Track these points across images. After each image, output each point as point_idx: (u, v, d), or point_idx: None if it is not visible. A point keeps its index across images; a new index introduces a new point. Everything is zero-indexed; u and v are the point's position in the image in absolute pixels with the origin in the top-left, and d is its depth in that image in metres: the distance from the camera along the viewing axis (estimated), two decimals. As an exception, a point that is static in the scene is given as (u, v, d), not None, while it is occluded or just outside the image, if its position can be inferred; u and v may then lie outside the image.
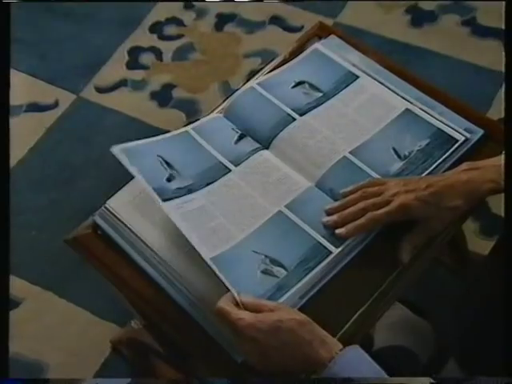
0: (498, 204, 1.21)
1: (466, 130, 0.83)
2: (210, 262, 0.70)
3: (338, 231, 0.73)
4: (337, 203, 0.75)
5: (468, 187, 0.72)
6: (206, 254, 0.70)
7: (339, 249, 0.72)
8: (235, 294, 0.66)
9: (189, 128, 0.83)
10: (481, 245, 1.16)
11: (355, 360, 0.61)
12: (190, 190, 0.76)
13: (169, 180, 0.76)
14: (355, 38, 0.96)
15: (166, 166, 0.78)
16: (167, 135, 0.82)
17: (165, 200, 0.74)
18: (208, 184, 0.78)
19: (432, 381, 0.60)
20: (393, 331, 0.96)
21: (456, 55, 1.46)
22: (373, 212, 0.72)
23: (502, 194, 0.68)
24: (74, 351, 1.09)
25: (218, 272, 0.68)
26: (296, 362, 0.62)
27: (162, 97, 1.46)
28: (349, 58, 0.91)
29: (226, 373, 0.70)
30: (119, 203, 0.79)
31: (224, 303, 0.65)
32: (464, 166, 0.75)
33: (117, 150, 0.76)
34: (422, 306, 1.02)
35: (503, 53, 0.70)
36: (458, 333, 0.89)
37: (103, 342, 1.11)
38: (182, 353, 0.73)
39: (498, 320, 0.76)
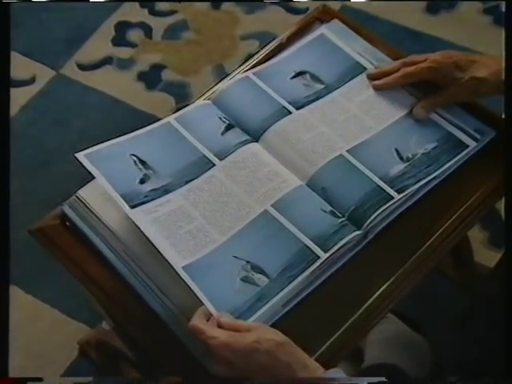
0: (510, 213, 1.22)
1: (476, 131, 0.83)
2: (181, 272, 0.70)
3: (374, 83, 0.86)
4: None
5: (498, 67, 0.79)
6: (178, 263, 0.70)
7: (327, 254, 0.72)
8: (212, 311, 0.67)
9: (171, 119, 0.83)
10: (489, 256, 1.16)
11: None
12: (166, 191, 0.76)
13: (142, 181, 0.76)
14: (362, 24, 0.95)
15: (140, 165, 0.78)
16: (147, 128, 0.82)
17: (134, 206, 0.74)
18: (188, 182, 0.77)
19: None
20: (386, 347, 0.96)
21: (475, 47, 1.44)
22: (407, 67, 0.84)
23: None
24: (38, 352, 1.09)
25: (190, 283, 0.69)
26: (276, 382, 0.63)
27: (150, 78, 1.46)
28: (355, 46, 0.90)
29: (196, 382, 0.70)
30: (92, 193, 0.79)
31: (198, 320, 0.65)
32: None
33: (81, 156, 0.77)
34: (420, 321, 1.02)
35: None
36: (458, 353, 0.89)
37: (70, 344, 1.11)
38: (151, 359, 0.73)
39: (502, 339, 0.76)
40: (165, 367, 0.72)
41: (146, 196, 0.75)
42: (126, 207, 0.73)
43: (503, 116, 0.72)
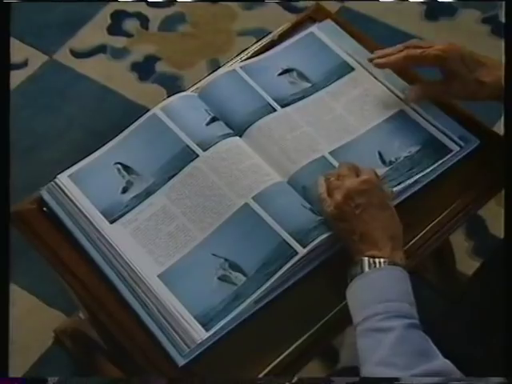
0: (497, 225, 1.22)
1: (460, 138, 0.83)
2: (156, 282, 0.73)
3: (375, 61, 0.83)
4: None
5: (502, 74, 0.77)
6: (153, 272, 0.73)
7: (306, 249, 0.73)
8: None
9: (157, 109, 0.83)
10: (472, 265, 1.16)
11: (394, 278, 0.68)
12: (148, 193, 0.78)
13: (125, 190, 0.79)
14: (360, 26, 0.95)
15: (124, 172, 0.80)
16: (132, 127, 0.83)
17: (114, 220, 0.77)
18: (171, 177, 0.79)
19: None
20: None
21: (472, 56, 1.45)
22: (411, 49, 0.81)
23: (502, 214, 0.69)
24: (12, 338, 1.09)
25: (165, 292, 0.72)
26: (372, 234, 0.70)
27: (144, 69, 1.46)
28: (344, 46, 0.90)
29: (165, 375, 0.70)
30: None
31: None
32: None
33: (63, 178, 0.79)
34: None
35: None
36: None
37: (46, 331, 1.11)
38: (124, 351, 0.74)
39: (478, 346, 0.77)
40: (134, 357, 0.73)
41: (126, 206, 0.78)
42: (106, 223, 0.76)
43: (503, 119, 0.71)
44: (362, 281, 0.68)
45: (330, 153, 0.81)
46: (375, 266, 0.68)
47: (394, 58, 0.82)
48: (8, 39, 0.72)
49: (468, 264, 1.17)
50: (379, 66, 0.83)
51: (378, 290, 0.67)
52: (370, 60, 0.84)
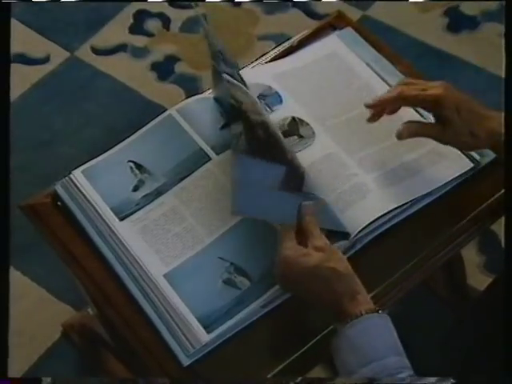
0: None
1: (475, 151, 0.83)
2: (161, 281, 0.73)
3: (365, 102, 0.77)
4: None
5: (500, 130, 0.73)
6: (159, 271, 0.74)
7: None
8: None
9: (173, 110, 0.84)
10: (483, 281, 1.16)
11: (374, 330, 0.64)
12: (159, 193, 0.79)
13: (136, 189, 0.79)
14: (380, 35, 0.95)
15: (136, 171, 0.81)
16: (148, 126, 0.83)
17: (124, 217, 0.77)
18: (182, 179, 0.79)
19: None
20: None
21: (494, 70, 1.43)
22: (405, 88, 0.76)
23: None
24: (20, 330, 1.10)
25: (169, 292, 0.72)
26: (321, 303, 0.67)
27: (163, 69, 1.47)
28: (364, 56, 0.90)
29: (169, 375, 0.70)
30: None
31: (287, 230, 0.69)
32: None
33: (77, 173, 0.80)
34: (403, 336, 1.02)
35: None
36: (439, 370, 0.89)
37: (54, 324, 1.12)
38: (131, 348, 0.74)
39: (486, 363, 0.76)
40: (139, 355, 0.73)
41: (137, 204, 0.78)
42: (116, 220, 0.77)
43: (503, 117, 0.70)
44: (342, 341, 0.65)
45: None
46: (351, 321, 0.64)
47: (387, 96, 0.77)
48: (8, 39, 0.73)
49: (479, 279, 1.16)
50: (371, 106, 0.77)
51: (360, 351, 0.63)
52: (367, 106, 0.78)
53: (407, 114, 0.81)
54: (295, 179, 0.73)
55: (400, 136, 0.76)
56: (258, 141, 0.72)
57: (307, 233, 0.69)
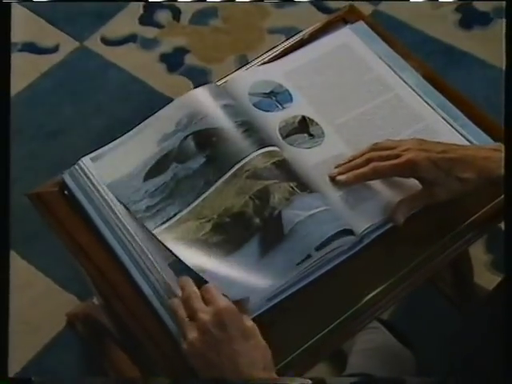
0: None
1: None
2: (167, 271, 0.73)
3: (337, 178, 0.75)
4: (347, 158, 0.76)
5: (485, 164, 0.72)
6: (165, 261, 0.73)
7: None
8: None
9: None
10: (490, 279, 1.15)
11: None
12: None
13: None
14: (391, 30, 0.95)
15: None
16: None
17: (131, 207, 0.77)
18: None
19: None
20: (369, 358, 0.96)
21: (505, 67, 1.44)
22: (378, 162, 0.73)
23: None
24: (25, 319, 1.11)
25: (175, 281, 0.72)
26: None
27: (173, 61, 1.47)
28: (376, 50, 0.90)
29: (174, 367, 0.70)
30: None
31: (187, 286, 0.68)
32: (493, 145, 0.75)
33: (85, 161, 0.80)
34: (410, 334, 1.02)
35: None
36: (444, 370, 0.88)
37: (59, 314, 1.12)
38: (135, 339, 0.74)
39: (491, 363, 0.76)
40: (144, 346, 0.73)
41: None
42: (123, 209, 0.76)
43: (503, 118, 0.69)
44: None
45: None
46: None
47: (360, 173, 0.74)
48: (8, 39, 0.73)
49: (487, 278, 1.16)
50: (342, 183, 0.74)
51: None
52: (332, 177, 0.76)
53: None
54: (272, 232, 0.72)
55: (397, 222, 0.74)
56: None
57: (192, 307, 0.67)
